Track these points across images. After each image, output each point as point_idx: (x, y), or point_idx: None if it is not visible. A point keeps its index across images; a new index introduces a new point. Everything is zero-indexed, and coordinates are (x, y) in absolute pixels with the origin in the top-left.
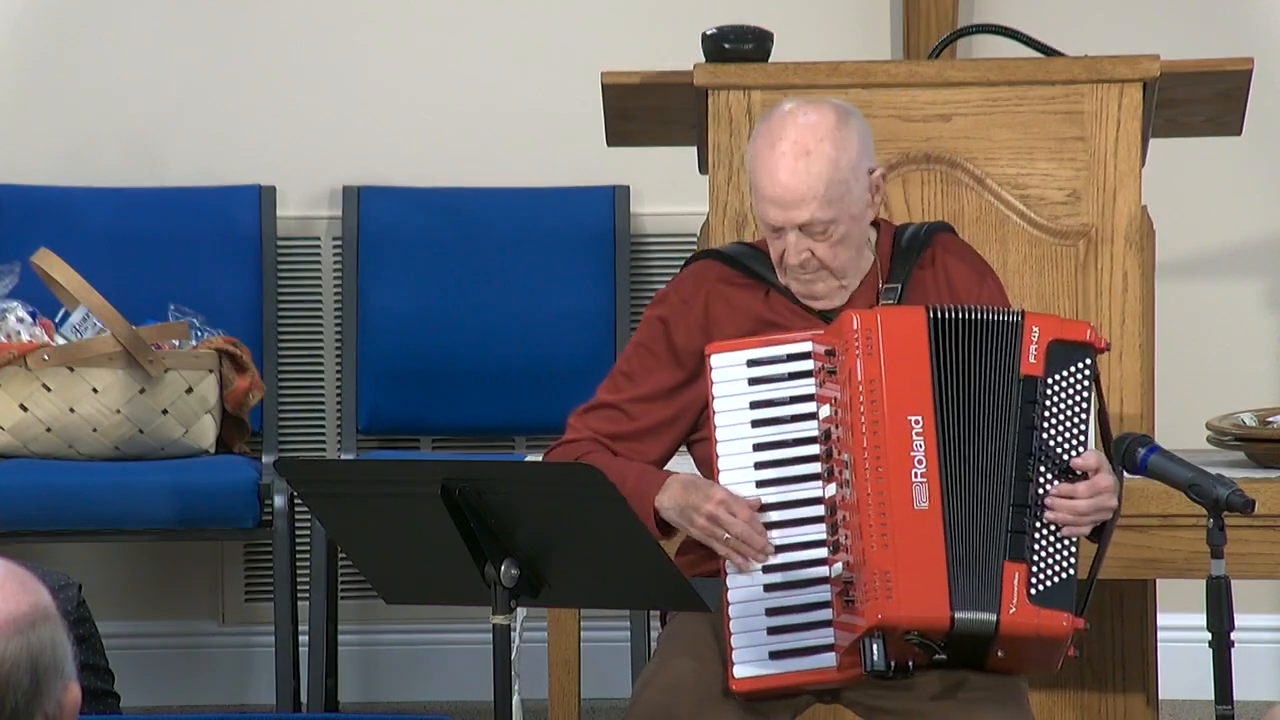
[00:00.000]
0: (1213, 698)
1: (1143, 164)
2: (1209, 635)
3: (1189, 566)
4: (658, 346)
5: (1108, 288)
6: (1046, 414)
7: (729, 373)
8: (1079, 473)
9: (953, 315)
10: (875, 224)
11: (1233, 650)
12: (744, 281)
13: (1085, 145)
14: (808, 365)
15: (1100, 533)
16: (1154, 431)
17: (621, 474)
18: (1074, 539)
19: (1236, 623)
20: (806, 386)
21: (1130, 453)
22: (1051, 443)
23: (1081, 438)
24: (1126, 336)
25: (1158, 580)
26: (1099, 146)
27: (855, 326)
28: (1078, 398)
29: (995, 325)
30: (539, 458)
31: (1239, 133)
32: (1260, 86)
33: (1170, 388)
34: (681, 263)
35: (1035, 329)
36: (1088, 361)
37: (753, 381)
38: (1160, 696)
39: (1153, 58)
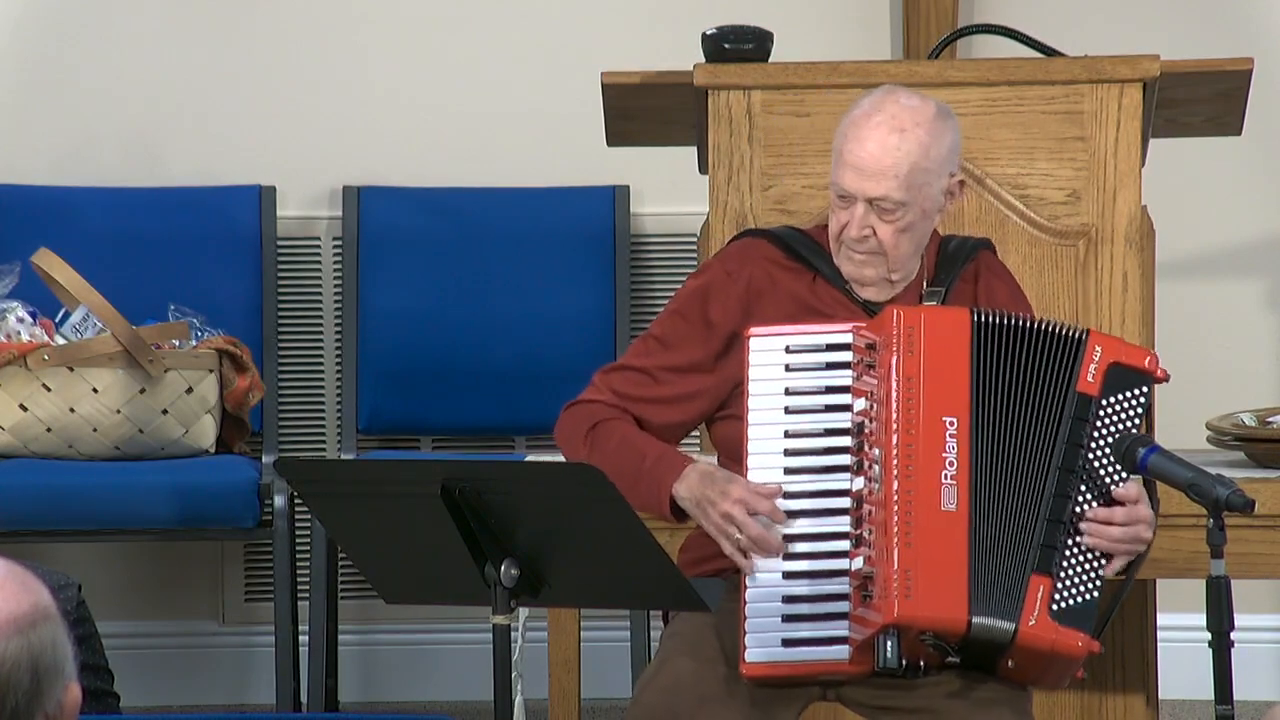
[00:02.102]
0: (1213, 698)
1: (1143, 164)
2: (1209, 635)
3: (1189, 566)
4: (694, 317)
5: (1108, 288)
6: (1096, 435)
7: (766, 357)
8: (1119, 502)
9: (999, 321)
10: None
11: (1233, 650)
12: (791, 265)
13: (1085, 145)
14: (846, 356)
15: (1127, 569)
16: (1154, 431)
17: (640, 452)
18: (1103, 562)
19: (1236, 623)
20: (843, 378)
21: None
22: (1096, 464)
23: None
24: (1126, 336)
25: (1157, 580)
26: (1099, 146)
27: (897, 322)
28: (1129, 424)
29: (1054, 338)
30: (539, 458)
31: (1239, 133)
32: (1260, 86)
33: (1170, 388)
34: (682, 262)
35: (1098, 349)
36: (1144, 389)
37: (790, 368)
38: (1160, 696)
39: (1153, 58)
